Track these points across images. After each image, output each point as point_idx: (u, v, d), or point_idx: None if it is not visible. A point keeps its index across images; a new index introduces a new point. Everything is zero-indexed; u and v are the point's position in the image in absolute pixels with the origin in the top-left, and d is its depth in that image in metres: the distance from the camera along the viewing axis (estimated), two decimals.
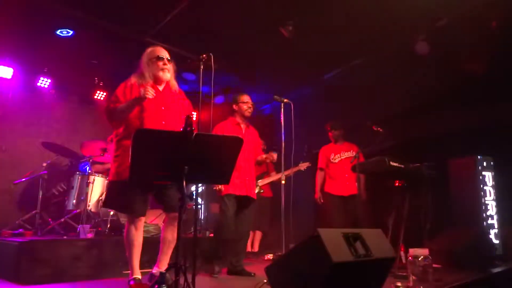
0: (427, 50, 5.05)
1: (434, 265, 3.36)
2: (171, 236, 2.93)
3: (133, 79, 3.02)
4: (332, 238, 2.25)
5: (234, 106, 4.13)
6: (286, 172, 3.89)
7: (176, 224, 2.91)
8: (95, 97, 6.43)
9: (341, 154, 5.14)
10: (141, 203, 2.82)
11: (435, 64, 5.11)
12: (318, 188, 5.25)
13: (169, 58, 3.08)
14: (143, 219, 2.90)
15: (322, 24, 4.93)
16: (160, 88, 3.06)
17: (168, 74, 3.05)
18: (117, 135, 2.96)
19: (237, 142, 2.26)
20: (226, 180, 2.38)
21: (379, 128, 4.33)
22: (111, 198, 2.94)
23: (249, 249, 5.85)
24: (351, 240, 2.34)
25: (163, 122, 2.91)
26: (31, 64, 5.71)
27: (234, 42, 5.34)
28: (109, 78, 6.36)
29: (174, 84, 3.15)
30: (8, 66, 5.45)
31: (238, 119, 4.11)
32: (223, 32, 5.12)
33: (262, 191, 5.28)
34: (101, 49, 5.60)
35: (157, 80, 3.04)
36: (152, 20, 5.04)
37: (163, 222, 3.08)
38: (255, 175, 4.23)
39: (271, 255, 5.21)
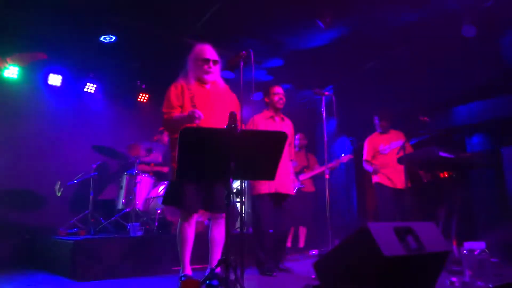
0: (474, 33, 4.79)
1: (492, 259, 3.19)
2: (218, 235, 2.97)
3: (181, 80, 3.11)
4: (383, 232, 2.19)
5: (266, 99, 4.11)
6: (330, 165, 3.81)
7: (222, 222, 2.95)
8: (138, 99, 6.62)
9: (391, 144, 4.88)
10: (193, 200, 2.88)
11: (483, 49, 4.84)
12: (373, 170, 4.84)
13: (216, 59, 3.12)
14: (195, 216, 2.96)
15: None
16: (207, 86, 3.12)
17: (212, 76, 3.11)
18: (173, 136, 3.08)
19: (281, 137, 2.25)
20: (271, 176, 2.38)
21: (425, 118, 4.15)
22: (167, 194, 3.06)
23: (293, 245, 5.83)
24: (402, 234, 2.26)
25: (213, 120, 2.97)
26: (77, 70, 5.96)
27: (270, 36, 5.31)
28: (151, 80, 6.54)
29: (221, 82, 3.21)
30: (57, 74, 5.71)
31: (271, 111, 4.07)
32: (258, 28, 5.11)
33: (303, 186, 5.23)
34: (142, 52, 5.77)
35: (202, 81, 3.10)
36: (190, 20, 5.11)
37: (208, 220, 3.13)
38: (291, 170, 4.15)
39: (317, 250, 5.17)
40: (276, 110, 4.05)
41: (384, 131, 4.96)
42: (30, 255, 4.81)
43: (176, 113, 3.00)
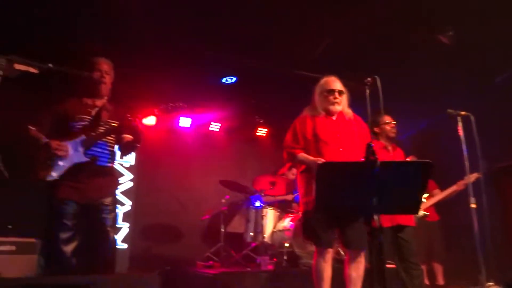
0: None
1: None
2: (355, 273, 2.83)
3: (306, 112, 3.14)
4: None
5: (376, 129, 3.90)
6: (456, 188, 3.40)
7: (360, 260, 2.81)
8: (257, 133, 6.89)
9: None
10: (328, 235, 2.81)
11: None
12: None
13: (341, 89, 3.10)
14: (331, 250, 2.88)
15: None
16: (334, 117, 3.09)
17: (338, 107, 3.09)
18: (301, 168, 3.07)
19: (425, 167, 2.07)
20: (416, 209, 2.20)
21: None
22: (303, 228, 3.06)
23: (432, 282, 5.26)
24: None
25: (340, 149, 2.92)
26: (203, 111, 6.47)
27: (389, 60, 5.10)
28: (268, 115, 6.77)
29: (349, 112, 3.17)
30: (187, 117, 6.28)
31: (383, 141, 3.86)
32: (376, 52, 4.96)
33: (427, 214, 4.73)
34: (259, 88, 6.02)
35: (329, 112, 3.08)
36: (303, 53, 5.20)
37: (344, 256, 3.01)
38: None
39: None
40: (389, 139, 3.86)
41: None
42: (172, 285, 5.20)
43: (300, 148, 3.00)
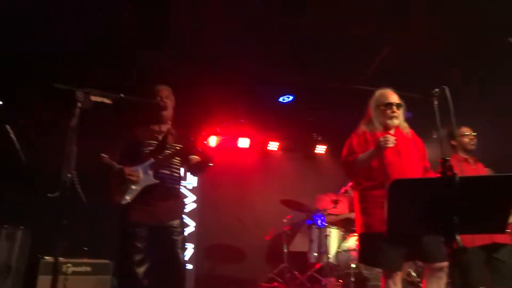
0: None
1: None
2: None
3: (362, 127, 3.02)
4: None
5: (453, 142, 3.66)
6: None
7: (441, 276, 2.61)
8: (316, 151, 6.80)
9: None
10: (398, 257, 2.65)
11: None
12: None
13: (399, 102, 2.97)
14: (400, 273, 2.71)
15: None
16: (391, 131, 2.95)
17: (397, 121, 2.95)
18: (359, 185, 2.92)
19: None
20: (502, 228, 2.01)
21: None
22: (363, 251, 2.87)
23: None
24: None
25: (404, 166, 2.75)
26: (261, 131, 6.52)
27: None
28: (326, 132, 6.67)
29: (406, 127, 3.01)
30: (245, 137, 6.35)
31: (462, 154, 3.62)
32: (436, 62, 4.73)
33: None
34: (316, 105, 5.97)
35: (386, 127, 2.95)
36: (360, 67, 5.10)
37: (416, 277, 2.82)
38: None
39: None
40: (468, 152, 3.63)
41: None
42: None
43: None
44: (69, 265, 3.99)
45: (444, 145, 3.64)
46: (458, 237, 1.90)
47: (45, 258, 3.95)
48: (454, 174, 1.89)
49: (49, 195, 2.09)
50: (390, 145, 2.62)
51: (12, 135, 2.80)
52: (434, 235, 2.44)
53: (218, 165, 6.17)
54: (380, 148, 2.65)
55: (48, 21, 4.04)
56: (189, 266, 5.61)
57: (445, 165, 1.96)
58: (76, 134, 2.20)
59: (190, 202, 5.92)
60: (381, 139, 2.64)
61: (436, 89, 2.87)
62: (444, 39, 4.39)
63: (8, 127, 2.83)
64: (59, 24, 4.06)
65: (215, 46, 4.44)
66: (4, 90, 4.78)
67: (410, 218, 2.04)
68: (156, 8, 3.94)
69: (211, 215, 5.99)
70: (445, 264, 2.59)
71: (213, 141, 4.70)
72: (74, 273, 4.03)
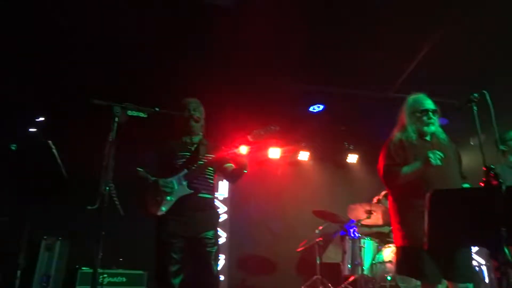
0: None
1: None
2: None
3: (397, 135, 2.93)
4: None
5: (503, 147, 3.50)
6: None
7: None
8: (347, 160, 6.69)
9: None
10: (437, 269, 2.54)
11: None
12: None
13: (435, 108, 2.87)
14: (440, 286, 2.60)
15: None
16: (428, 138, 2.86)
17: (433, 127, 2.85)
18: (398, 195, 2.83)
19: None
20: None
21: None
22: (403, 263, 2.76)
23: None
24: None
25: (444, 174, 2.65)
26: (291, 141, 6.48)
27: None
28: (357, 141, 6.56)
29: (441, 132, 2.92)
30: (276, 147, 6.32)
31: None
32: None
33: None
34: (347, 114, 5.88)
35: (422, 134, 2.86)
36: (393, 75, 5.00)
37: None
38: None
39: None
40: None
41: None
42: None
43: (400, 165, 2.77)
44: (105, 275, 4.07)
45: (484, 152, 3.51)
46: (506, 250, 1.81)
47: (82, 269, 4.05)
48: (500, 183, 1.80)
49: (89, 207, 2.13)
50: (437, 163, 2.52)
51: (54, 150, 2.89)
52: (480, 247, 2.33)
53: (249, 176, 6.08)
54: (429, 164, 2.55)
55: (90, 46, 4.19)
56: (221, 277, 5.61)
57: (488, 174, 1.88)
58: (114, 148, 2.25)
59: (222, 213, 5.94)
60: (431, 155, 2.54)
61: (475, 94, 2.78)
62: (479, 42, 4.24)
63: (50, 142, 2.93)
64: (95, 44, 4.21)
65: (248, 58, 4.46)
66: (45, 107, 5.00)
67: (452, 230, 1.96)
68: (192, 22, 4.00)
69: (242, 226, 5.98)
70: (470, 286, 2.52)
71: (244, 150, 4.71)
72: (109, 283, 4.11)
